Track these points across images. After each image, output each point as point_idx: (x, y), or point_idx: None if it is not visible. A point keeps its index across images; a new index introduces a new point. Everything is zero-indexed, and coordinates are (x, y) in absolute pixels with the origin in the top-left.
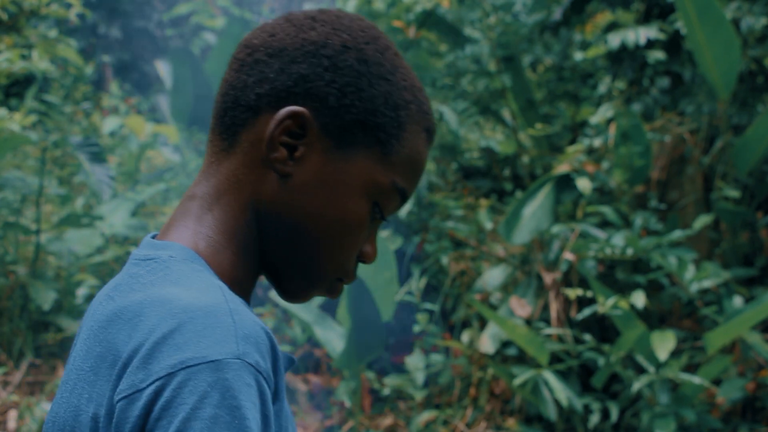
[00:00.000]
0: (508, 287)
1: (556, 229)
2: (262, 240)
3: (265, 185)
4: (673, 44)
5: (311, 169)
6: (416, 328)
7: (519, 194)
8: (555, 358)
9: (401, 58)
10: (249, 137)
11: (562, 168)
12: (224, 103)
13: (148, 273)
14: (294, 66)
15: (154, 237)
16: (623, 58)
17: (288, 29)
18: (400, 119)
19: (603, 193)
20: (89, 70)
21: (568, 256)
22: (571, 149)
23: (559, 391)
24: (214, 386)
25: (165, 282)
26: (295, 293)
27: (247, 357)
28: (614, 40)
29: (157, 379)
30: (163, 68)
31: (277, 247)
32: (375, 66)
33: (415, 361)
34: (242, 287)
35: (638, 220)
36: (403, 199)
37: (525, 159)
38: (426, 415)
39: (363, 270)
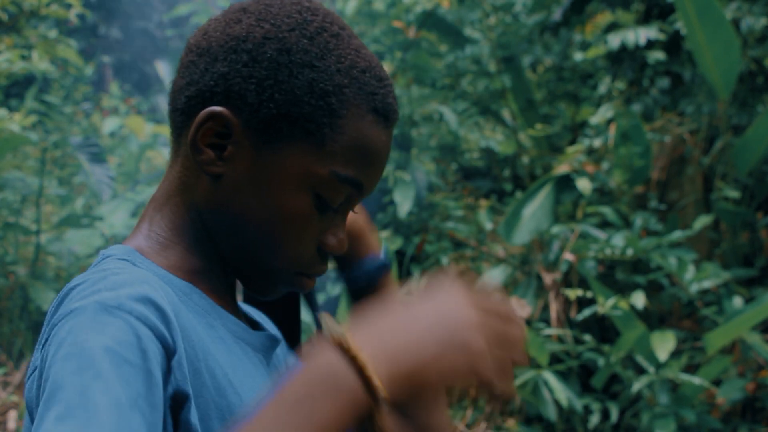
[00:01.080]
0: (508, 287)
1: (556, 229)
2: (212, 237)
3: (200, 187)
4: (673, 44)
5: (242, 168)
6: None
7: (519, 194)
8: (555, 359)
9: (343, 39)
10: (186, 140)
11: (562, 168)
12: (168, 106)
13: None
14: (216, 65)
15: None
16: (623, 59)
17: (218, 25)
18: (332, 106)
19: (603, 194)
20: (89, 70)
21: (568, 256)
22: (571, 149)
23: (559, 391)
24: (69, 331)
25: (83, 275)
26: (258, 288)
27: (108, 300)
28: (614, 40)
29: (42, 351)
30: (163, 68)
31: (225, 245)
32: (299, 54)
33: None
34: (208, 277)
35: (638, 220)
36: (357, 187)
37: (525, 159)
38: None
39: None
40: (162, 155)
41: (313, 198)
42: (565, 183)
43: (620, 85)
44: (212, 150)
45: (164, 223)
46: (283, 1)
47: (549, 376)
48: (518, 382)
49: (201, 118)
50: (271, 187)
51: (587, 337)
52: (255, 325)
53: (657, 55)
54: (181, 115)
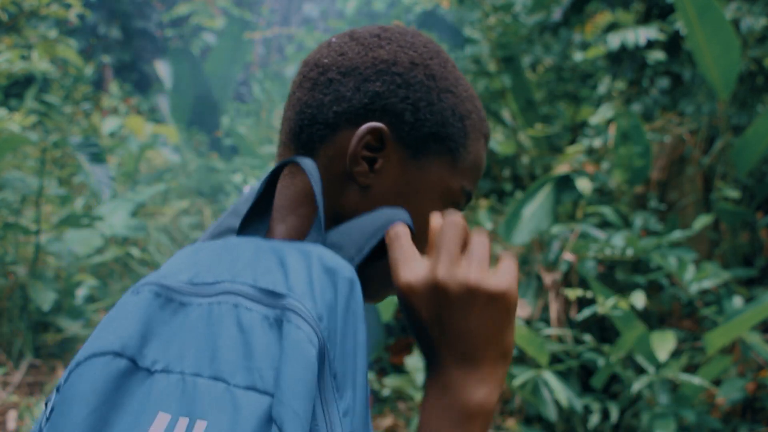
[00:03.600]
0: None
1: (555, 229)
2: None
3: (346, 196)
4: (673, 44)
5: (390, 180)
6: None
7: (519, 194)
8: (555, 359)
9: (458, 70)
10: (327, 152)
11: (561, 168)
12: (300, 121)
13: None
14: (368, 84)
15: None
16: (623, 59)
17: (356, 48)
18: (466, 128)
19: (603, 194)
20: (89, 70)
21: (568, 256)
22: (570, 150)
23: (558, 391)
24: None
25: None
26: (372, 295)
27: None
28: (614, 40)
29: None
30: (162, 69)
31: None
32: (441, 80)
33: (415, 361)
34: None
35: (638, 220)
36: (469, 199)
37: (525, 159)
38: None
39: None
40: (161, 155)
41: (443, 209)
42: (565, 183)
43: (620, 85)
44: (365, 162)
45: (287, 232)
46: (410, 32)
47: (549, 376)
48: (518, 382)
49: (363, 131)
50: (415, 198)
51: (587, 337)
52: None
53: (657, 55)
54: (325, 129)
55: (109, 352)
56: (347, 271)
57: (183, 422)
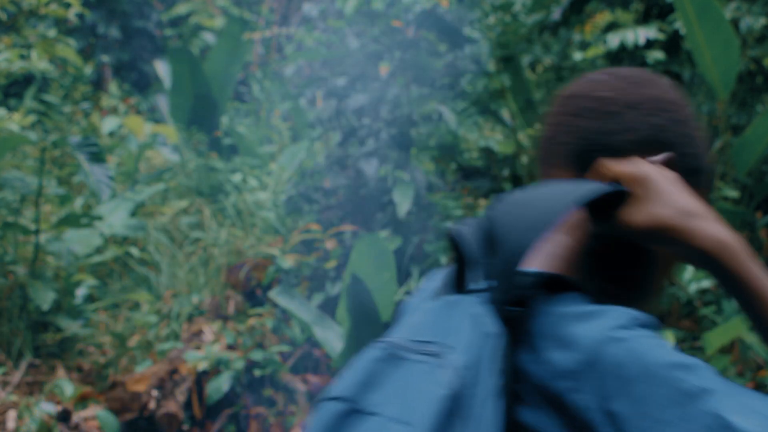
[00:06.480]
0: None
1: None
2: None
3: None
4: (673, 44)
5: None
6: None
7: None
8: None
9: None
10: (612, 174)
11: None
12: (585, 146)
13: None
14: (652, 118)
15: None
16: (622, 58)
17: (629, 87)
18: (709, 167)
19: None
20: (88, 70)
21: None
22: None
23: None
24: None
25: None
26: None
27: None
28: (613, 40)
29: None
30: (162, 68)
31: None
32: (692, 121)
33: None
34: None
35: None
36: None
37: (524, 159)
38: None
39: (363, 270)
40: (161, 155)
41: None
42: None
43: None
44: None
45: (562, 251)
46: (660, 77)
47: None
48: None
49: (660, 159)
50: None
51: None
52: None
53: (656, 55)
54: (611, 153)
55: (333, 398)
56: (491, 327)
57: None
